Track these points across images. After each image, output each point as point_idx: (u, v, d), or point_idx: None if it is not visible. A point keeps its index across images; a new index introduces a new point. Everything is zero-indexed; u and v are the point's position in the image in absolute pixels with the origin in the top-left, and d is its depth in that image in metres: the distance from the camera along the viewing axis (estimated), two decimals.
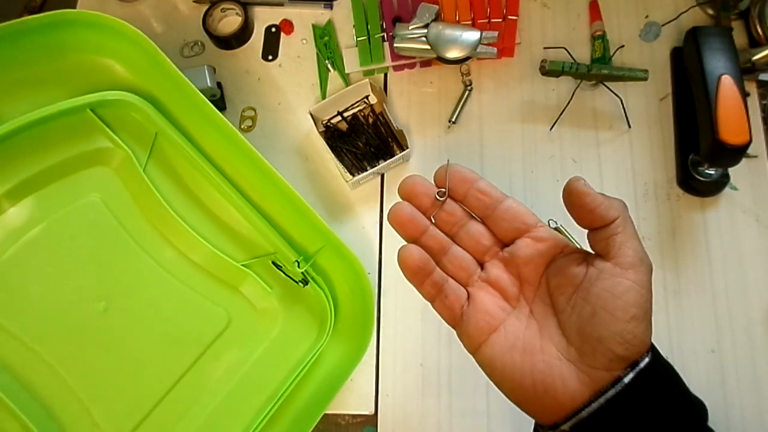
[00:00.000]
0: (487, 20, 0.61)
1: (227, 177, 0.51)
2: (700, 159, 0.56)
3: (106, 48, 0.49)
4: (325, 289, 0.52)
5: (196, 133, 0.51)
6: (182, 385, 0.51)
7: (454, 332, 0.36)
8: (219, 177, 0.50)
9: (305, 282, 0.52)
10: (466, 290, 0.35)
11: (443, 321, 0.35)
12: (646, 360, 0.30)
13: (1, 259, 0.48)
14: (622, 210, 0.32)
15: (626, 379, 0.30)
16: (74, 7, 0.70)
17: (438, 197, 0.35)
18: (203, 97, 0.49)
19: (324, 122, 0.62)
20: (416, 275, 0.34)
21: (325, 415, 0.54)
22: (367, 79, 0.61)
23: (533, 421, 0.35)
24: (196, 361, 0.51)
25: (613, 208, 0.31)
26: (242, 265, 0.52)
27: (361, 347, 0.53)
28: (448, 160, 0.34)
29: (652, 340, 0.32)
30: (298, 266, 0.51)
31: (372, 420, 0.55)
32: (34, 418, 0.45)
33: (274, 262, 0.53)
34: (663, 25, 0.64)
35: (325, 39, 0.66)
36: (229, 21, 0.68)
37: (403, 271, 0.34)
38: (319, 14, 0.68)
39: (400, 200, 0.35)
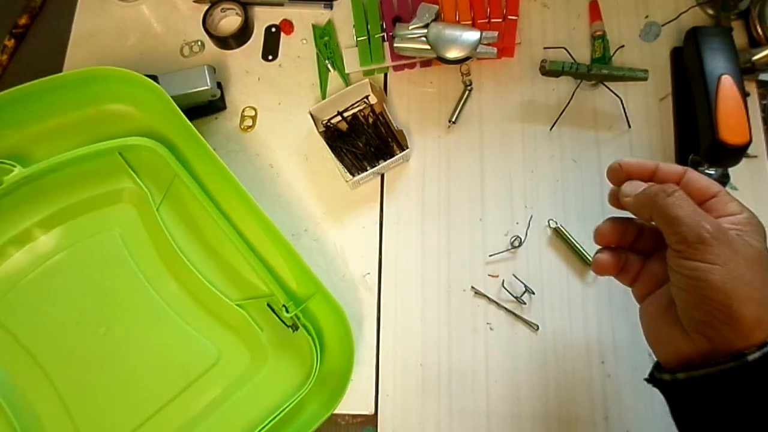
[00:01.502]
0: (487, 20, 0.61)
1: (231, 221, 0.54)
2: (700, 159, 0.56)
3: (132, 99, 0.56)
4: (313, 336, 0.52)
5: (206, 178, 0.55)
6: (163, 414, 0.53)
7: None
8: (224, 222, 0.53)
9: (295, 327, 0.53)
10: (645, 257, 0.40)
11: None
12: None
13: (26, 279, 0.55)
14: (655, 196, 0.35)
15: (750, 357, 0.31)
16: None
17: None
18: (211, 149, 0.53)
19: (324, 122, 0.62)
20: (607, 271, 0.40)
21: None
22: (367, 79, 0.61)
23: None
24: (181, 393, 0.53)
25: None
26: (237, 305, 0.53)
27: (336, 397, 0.52)
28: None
29: (648, 355, 0.33)
30: (287, 311, 0.52)
31: (372, 420, 0.55)
32: (23, 423, 0.50)
33: (269, 305, 0.54)
34: (663, 25, 0.64)
35: (325, 39, 0.66)
36: (229, 21, 0.68)
37: (595, 271, 0.40)
38: (319, 14, 0.68)
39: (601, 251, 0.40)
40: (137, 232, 0.56)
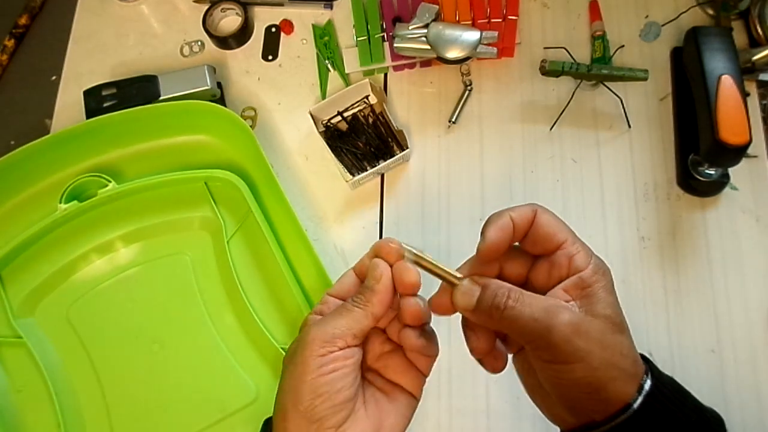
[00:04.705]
0: (487, 20, 0.61)
1: (291, 265, 0.56)
2: (700, 159, 0.56)
3: (220, 132, 0.60)
4: None
5: (275, 217, 0.58)
6: None
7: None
8: (285, 265, 0.54)
9: None
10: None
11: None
12: (649, 382, 0.32)
13: (101, 285, 0.58)
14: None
15: (635, 405, 0.31)
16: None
17: None
18: (283, 192, 0.55)
19: (324, 122, 0.62)
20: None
21: None
22: (367, 79, 0.61)
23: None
24: (214, 424, 0.53)
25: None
26: (282, 348, 0.53)
27: None
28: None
29: (649, 355, 0.33)
30: None
31: None
32: (65, 415, 0.53)
33: None
34: (663, 25, 0.64)
35: (325, 39, 0.66)
36: (229, 21, 0.69)
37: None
38: (319, 14, 0.68)
39: None
40: (206, 259, 0.58)
